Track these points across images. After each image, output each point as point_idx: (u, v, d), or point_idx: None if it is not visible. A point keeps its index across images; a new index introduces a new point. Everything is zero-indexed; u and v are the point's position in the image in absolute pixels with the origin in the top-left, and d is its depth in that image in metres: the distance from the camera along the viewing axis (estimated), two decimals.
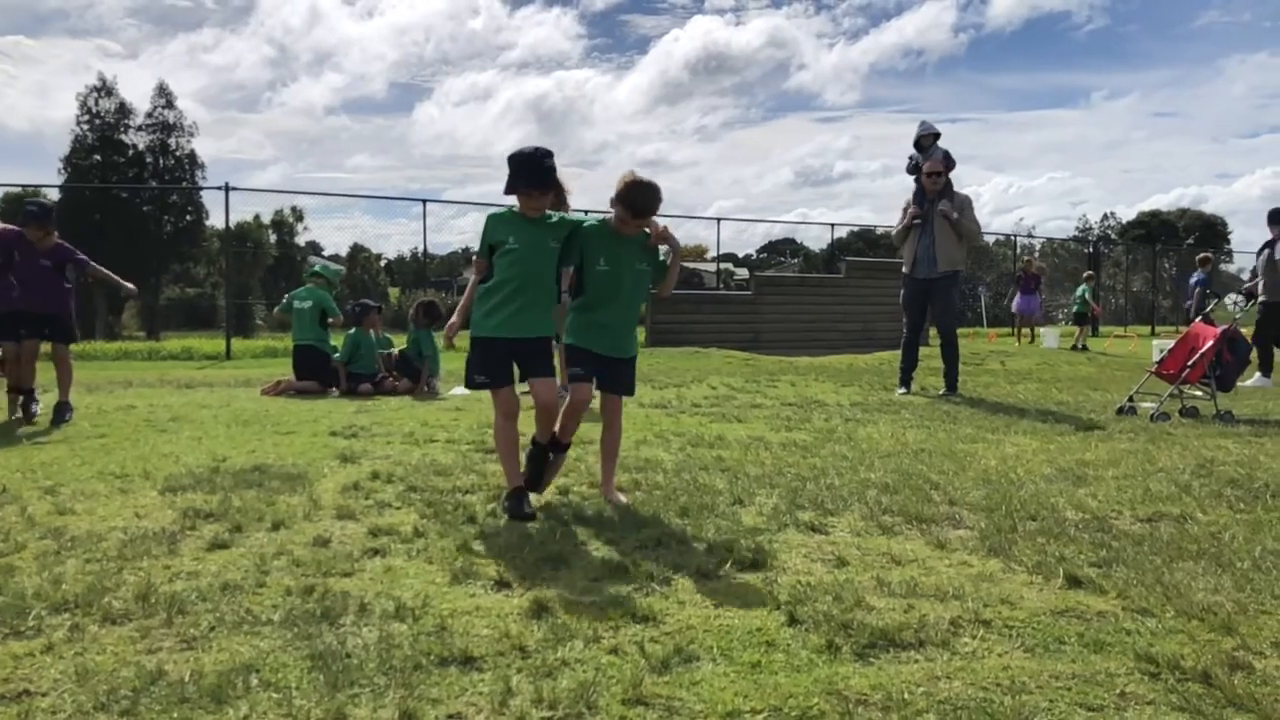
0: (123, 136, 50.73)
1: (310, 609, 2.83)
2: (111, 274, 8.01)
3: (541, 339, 4.26)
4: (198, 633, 2.66)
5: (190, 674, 2.36)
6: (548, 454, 4.36)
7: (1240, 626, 2.69)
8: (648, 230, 4.32)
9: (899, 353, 9.74)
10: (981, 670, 2.41)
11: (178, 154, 52.14)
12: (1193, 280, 16.72)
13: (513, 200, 4.28)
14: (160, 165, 51.74)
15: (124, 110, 50.96)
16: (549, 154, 4.21)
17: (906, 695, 2.26)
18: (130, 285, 8.05)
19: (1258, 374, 11.15)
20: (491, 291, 4.20)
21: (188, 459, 5.34)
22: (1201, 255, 18.09)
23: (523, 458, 4.29)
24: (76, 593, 2.94)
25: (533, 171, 4.16)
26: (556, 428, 4.34)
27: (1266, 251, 11.52)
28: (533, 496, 4.20)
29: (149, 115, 51.49)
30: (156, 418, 7.23)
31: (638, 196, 4.15)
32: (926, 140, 9.68)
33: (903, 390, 9.37)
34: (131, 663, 2.44)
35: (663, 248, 4.41)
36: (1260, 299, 11.32)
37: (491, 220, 4.28)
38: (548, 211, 4.28)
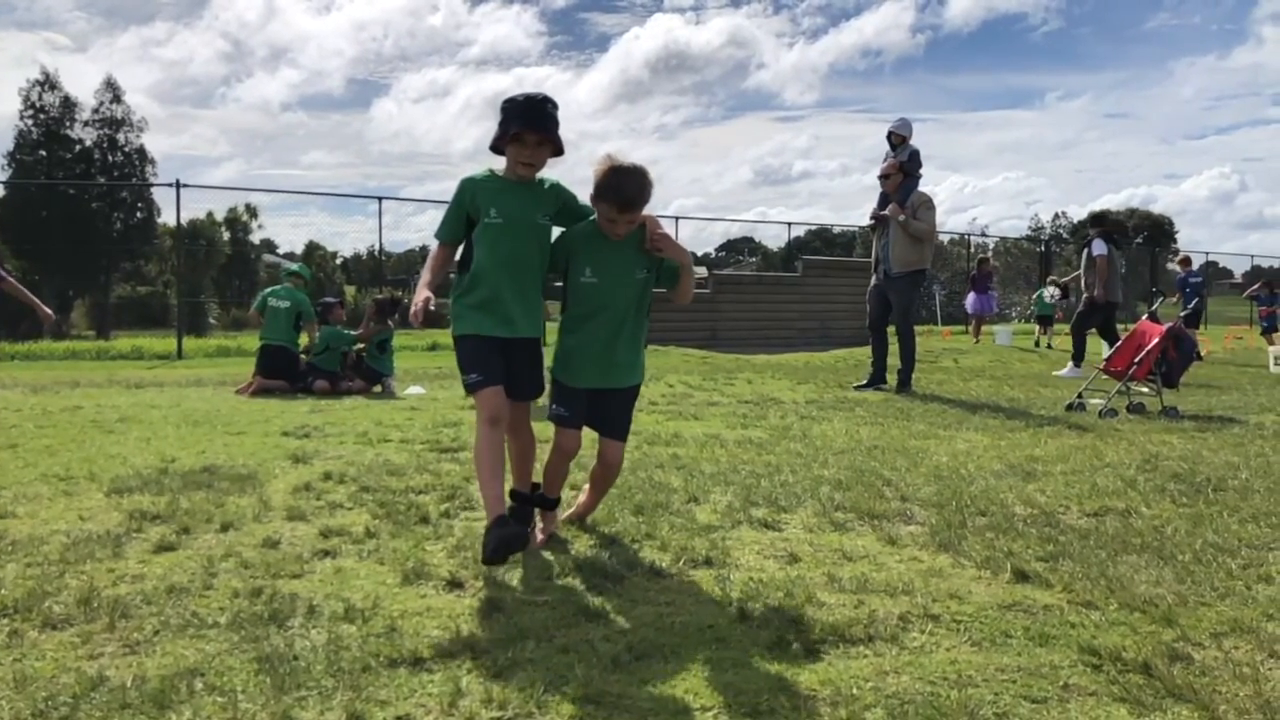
0: (68, 131, 49.70)
1: (258, 611, 2.79)
2: (29, 294, 7.80)
3: (531, 340, 3.53)
4: (141, 637, 2.61)
5: (133, 679, 2.32)
6: (532, 512, 3.67)
7: (1180, 618, 2.74)
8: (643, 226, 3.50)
9: (854, 350, 9.86)
10: (929, 664, 2.44)
11: (127, 150, 51.18)
12: (1189, 279, 17.25)
13: (495, 162, 3.53)
14: (109, 161, 50.76)
15: (69, 104, 49.93)
16: (553, 102, 3.42)
17: (855, 690, 2.28)
18: (48, 311, 7.84)
19: (1070, 364, 11.89)
20: (473, 284, 3.44)
21: (135, 460, 5.24)
22: (1182, 256, 19.07)
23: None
24: (16, 598, 2.87)
25: (531, 111, 3.37)
26: (542, 478, 3.69)
27: (1086, 251, 12.27)
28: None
29: (96, 110, 50.49)
30: (104, 418, 7.09)
31: (624, 183, 3.34)
32: (895, 139, 9.76)
33: (863, 385, 9.49)
34: (72, 669, 2.40)
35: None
36: (1084, 295, 12.21)
37: (467, 185, 3.47)
38: (539, 176, 3.51)
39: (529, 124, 3.35)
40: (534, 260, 3.48)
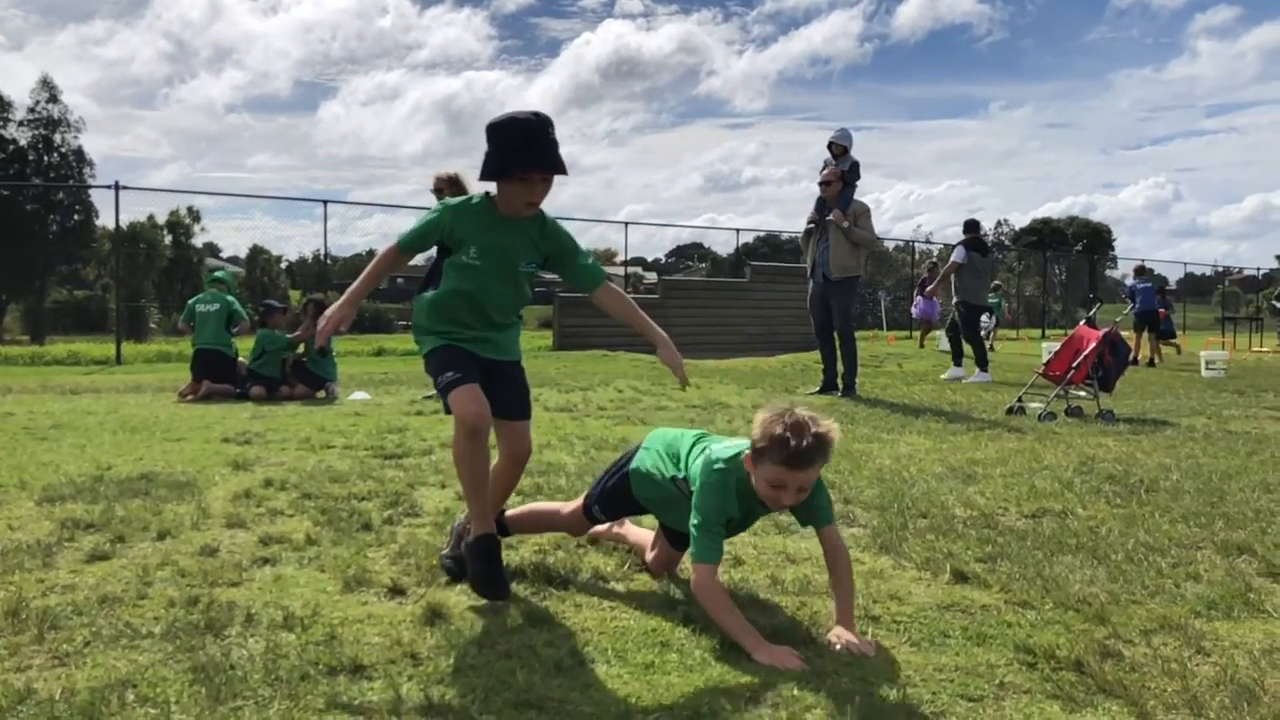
0: (2, 131, 48.39)
1: (194, 620, 2.74)
2: None
3: (513, 362, 3.17)
4: (71, 648, 2.54)
5: (61, 691, 2.26)
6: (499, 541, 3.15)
7: (1112, 616, 2.81)
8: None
9: (801, 355, 9.96)
10: (869, 665, 2.47)
11: (63, 150, 49.95)
12: (1137, 286, 17.68)
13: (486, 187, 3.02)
14: (45, 162, 49.49)
15: (2, 104, 48.62)
16: (550, 121, 2.89)
17: (796, 691, 2.30)
18: None
19: (977, 370, 11.92)
20: (440, 306, 3.05)
21: (69, 468, 5.12)
22: (1137, 266, 19.81)
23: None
24: None
25: (536, 146, 2.82)
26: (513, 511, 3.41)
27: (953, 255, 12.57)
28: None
29: (31, 110, 49.22)
30: (36, 425, 6.91)
31: (803, 434, 2.61)
32: (836, 149, 9.95)
33: (815, 391, 9.58)
34: None
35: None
36: (955, 299, 12.33)
37: (452, 212, 2.98)
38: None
39: (535, 164, 2.85)
40: (509, 302, 3.09)
